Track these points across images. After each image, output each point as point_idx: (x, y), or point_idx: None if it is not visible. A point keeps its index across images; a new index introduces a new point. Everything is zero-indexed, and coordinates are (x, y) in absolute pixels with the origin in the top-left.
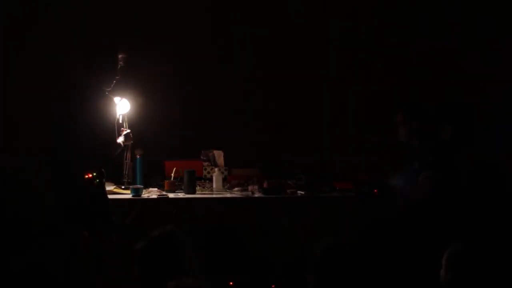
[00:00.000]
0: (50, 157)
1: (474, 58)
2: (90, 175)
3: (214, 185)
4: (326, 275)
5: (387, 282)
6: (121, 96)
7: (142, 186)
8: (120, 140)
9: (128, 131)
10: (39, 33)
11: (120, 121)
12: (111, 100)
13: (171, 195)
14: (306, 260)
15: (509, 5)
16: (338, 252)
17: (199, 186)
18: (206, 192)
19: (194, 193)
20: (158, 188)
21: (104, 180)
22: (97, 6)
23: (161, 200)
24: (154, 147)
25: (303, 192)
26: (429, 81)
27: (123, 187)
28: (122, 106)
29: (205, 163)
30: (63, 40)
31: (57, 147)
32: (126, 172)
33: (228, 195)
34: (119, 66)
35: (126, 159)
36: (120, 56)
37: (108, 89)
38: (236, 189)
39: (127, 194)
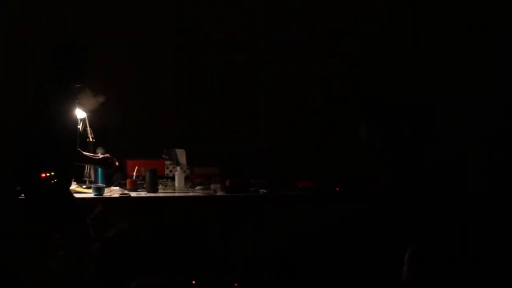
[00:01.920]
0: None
1: (433, 57)
2: (47, 174)
3: (176, 184)
4: (279, 272)
5: (347, 279)
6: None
7: (104, 185)
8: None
9: (107, 155)
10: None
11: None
12: (74, 101)
13: (133, 194)
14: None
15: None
16: (293, 249)
17: (161, 184)
18: (168, 191)
19: (156, 192)
20: (120, 187)
21: (69, 181)
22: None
23: (123, 199)
24: (116, 146)
25: (265, 191)
26: (389, 81)
27: (84, 186)
28: (82, 108)
29: (167, 162)
30: (28, 39)
31: (19, 146)
32: (88, 171)
33: (191, 193)
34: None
35: None
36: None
37: (78, 86)
38: (198, 187)
39: (89, 193)
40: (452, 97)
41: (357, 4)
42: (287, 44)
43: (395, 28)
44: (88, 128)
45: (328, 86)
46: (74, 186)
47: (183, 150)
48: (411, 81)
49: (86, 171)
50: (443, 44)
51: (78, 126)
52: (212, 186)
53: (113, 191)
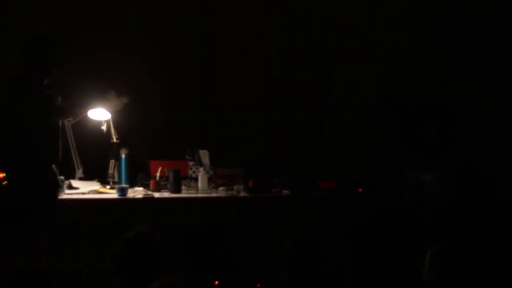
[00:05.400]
0: None
1: (458, 58)
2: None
3: (199, 185)
4: (295, 270)
5: (366, 279)
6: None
7: (127, 186)
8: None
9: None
10: None
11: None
12: (53, 97)
13: (156, 195)
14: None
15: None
16: (306, 248)
17: (185, 185)
18: (192, 192)
19: (179, 192)
20: (144, 188)
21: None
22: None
23: (147, 199)
24: (139, 146)
25: (288, 191)
26: (413, 81)
27: (108, 186)
28: (107, 109)
29: (191, 163)
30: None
31: None
32: (112, 172)
33: (214, 194)
34: None
35: (111, 158)
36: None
37: (48, 83)
38: (221, 188)
39: (112, 194)
40: (475, 97)
41: (379, 6)
42: (309, 46)
43: (418, 28)
44: (112, 129)
45: (351, 87)
46: (97, 187)
47: (206, 151)
48: (433, 82)
49: (110, 171)
50: (466, 43)
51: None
52: (235, 187)
53: (137, 192)
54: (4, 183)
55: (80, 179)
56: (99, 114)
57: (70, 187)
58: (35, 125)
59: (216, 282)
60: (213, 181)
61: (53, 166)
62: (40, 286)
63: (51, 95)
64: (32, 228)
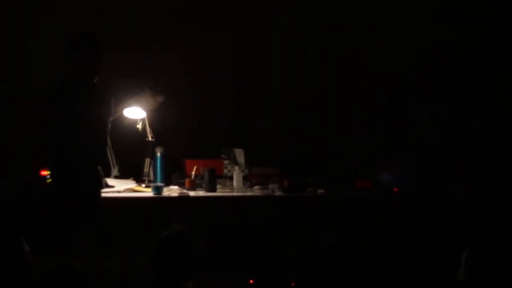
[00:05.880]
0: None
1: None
2: (45, 173)
3: (234, 184)
4: (330, 270)
5: (400, 279)
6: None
7: (163, 184)
8: None
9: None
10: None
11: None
12: (103, 95)
13: (191, 193)
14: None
15: None
16: (341, 248)
17: (220, 184)
18: (227, 190)
19: (214, 191)
20: (179, 186)
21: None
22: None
23: (182, 198)
24: (174, 145)
25: (323, 191)
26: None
27: (143, 185)
28: (142, 107)
29: (226, 162)
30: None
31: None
32: (147, 170)
33: (249, 193)
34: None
35: (147, 157)
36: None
37: (94, 82)
38: (256, 187)
39: (148, 192)
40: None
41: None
42: (344, 46)
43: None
44: (148, 128)
45: (386, 85)
46: (133, 185)
47: (241, 150)
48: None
49: (145, 169)
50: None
51: (108, 122)
52: (270, 186)
53: (172, 190)
54: (48, 181)
55: (116, 177)
56: (135, 113)
57: (106, 185)
58: (85, 125)
59: (251, 281)
60: (248, 180)
61: (99, 168)
62: (76, 285)
63: (105, 94)
64: (72, 228)
